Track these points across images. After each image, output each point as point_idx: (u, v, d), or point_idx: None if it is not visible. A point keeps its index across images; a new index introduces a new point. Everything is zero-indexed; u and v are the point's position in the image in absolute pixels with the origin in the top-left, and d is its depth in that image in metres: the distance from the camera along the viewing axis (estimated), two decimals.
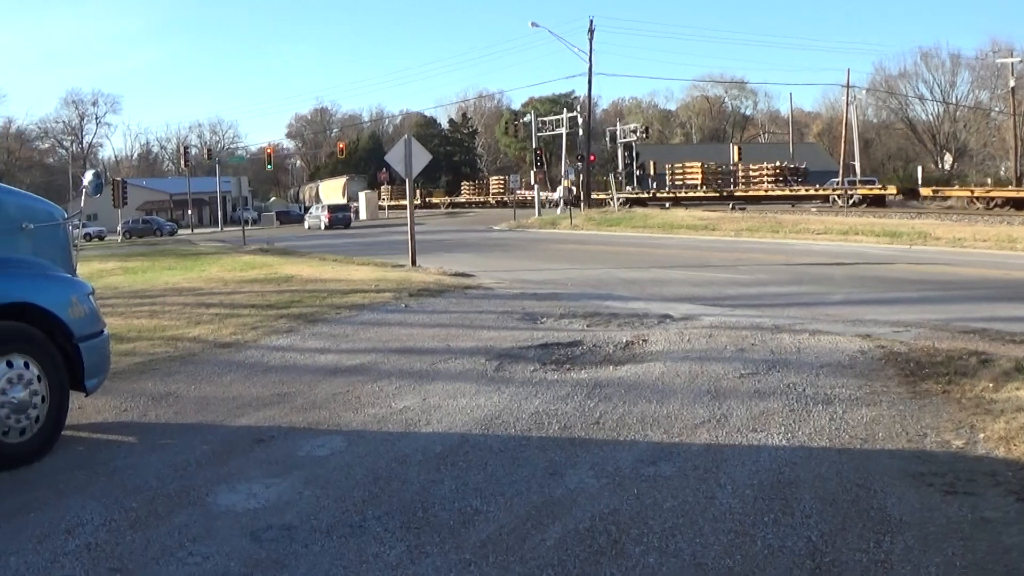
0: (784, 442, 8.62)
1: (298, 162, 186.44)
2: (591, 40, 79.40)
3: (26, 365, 8.67)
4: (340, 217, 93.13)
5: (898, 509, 6.82)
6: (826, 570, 5.92)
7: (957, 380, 10.70)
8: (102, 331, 9.90)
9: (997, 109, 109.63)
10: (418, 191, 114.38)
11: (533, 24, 79.59)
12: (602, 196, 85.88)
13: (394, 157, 30.15)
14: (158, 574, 6.15)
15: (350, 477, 7.95)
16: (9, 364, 8.53)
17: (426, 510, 7.07)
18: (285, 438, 9.35)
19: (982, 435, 8.63)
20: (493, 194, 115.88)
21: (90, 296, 9.82)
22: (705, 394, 10.49)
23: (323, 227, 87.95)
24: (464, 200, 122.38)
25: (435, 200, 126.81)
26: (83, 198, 11.33)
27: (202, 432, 9.72)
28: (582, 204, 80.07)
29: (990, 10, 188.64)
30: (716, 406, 9.96)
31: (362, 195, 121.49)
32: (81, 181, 11.39)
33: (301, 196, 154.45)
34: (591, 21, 79.37)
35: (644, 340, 14.02)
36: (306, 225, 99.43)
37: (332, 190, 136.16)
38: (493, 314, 17.56)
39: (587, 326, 15.70)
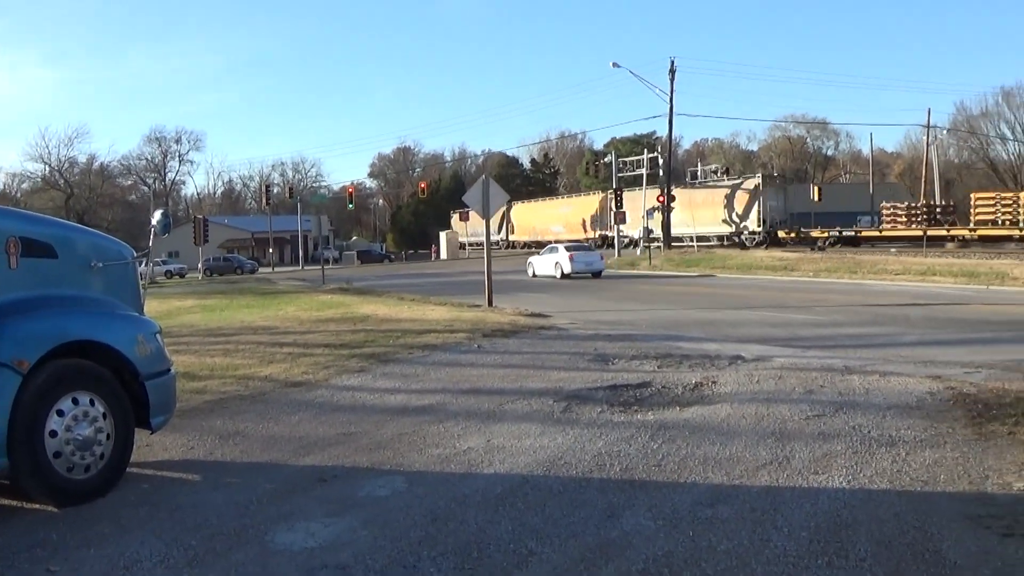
0: (844, 484, 8.56)
1: (380, 201, 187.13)
2: (672, 81, 79.34)
3: (91, 402, 8.78)
4: None
5: (954, 552, 6.75)
6: None
7: None
8: (168, 369, 10.02)
9: None
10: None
11: (614, 64, 79.39)
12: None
13: (472, 197, 30.35)
14: None
15: (408, 517, 7.97)
16: (75, 401, 8.65)
17: (481, 551, 7.07)
18: (348, 478, 9.40)
19: None
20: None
21: (157, 335, 9.94)
22: (769, 436, 10.45)
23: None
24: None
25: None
26: (151, 237, 11.43)
27: (266, 471, 9.80)
28: (662, 244, 79.89)
29: None
30: (779, 448, 9.92)
31: (442, 235, 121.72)
32: (151, 220, 11.51)
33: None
34: (672, 62, 79.30)
35: (713, 382, 14.00)
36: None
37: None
38: (565, 355, 17.58)
39: (658, 367, 15.69)
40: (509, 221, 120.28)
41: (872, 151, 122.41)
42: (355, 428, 11.71)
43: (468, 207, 37.20)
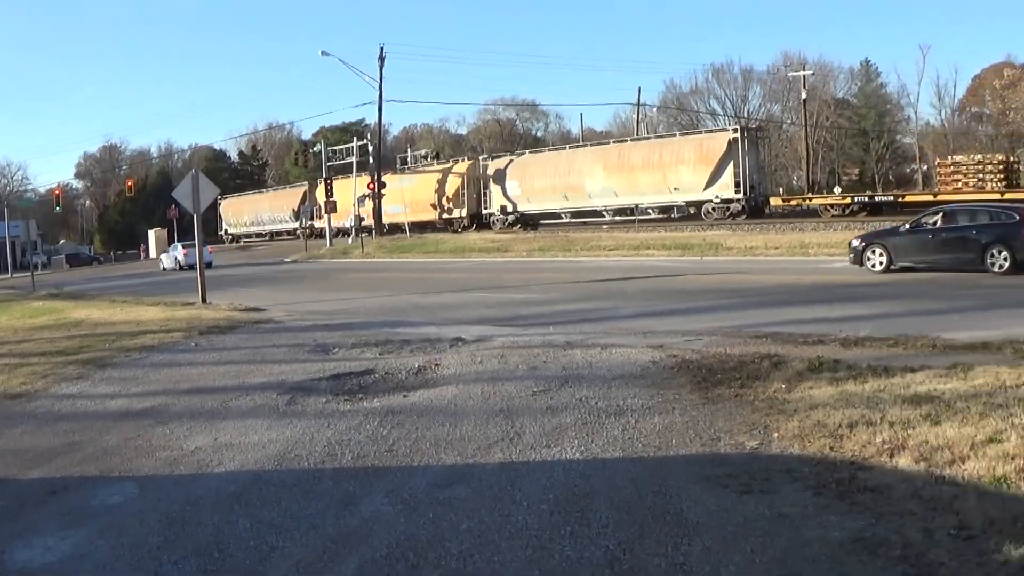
0: (578, 455, 8.90)
1: (87, 202, 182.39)
2: (381, 68, 79.33)
3: None
4: None
5: (694, 512, 7.14)
6: None
7: (750, 384, 11.24)
8: None
9: (789, 121, 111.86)
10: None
11: (323, 53, 79.42)
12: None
13: (182, 193, 29.92)
14: None
15: (144, 524, 7.93)
16: None
17: (222, 551, 7.11)
18: (78, 488, 9.26)
19: (776, 434, 9.07)
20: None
21: None
22: (498, 414, 10.75)
23: None
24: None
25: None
26: None
27: None
28: (374, 232, 79.82)
29: (782, 25, 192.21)
30: (509, 425, 10.22)
31: (150, 233, 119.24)
32: None
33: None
34: (381, 49, 79.32)
35: (436, 365, 14.24)
36: None
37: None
38: (284, 347, 17.60)
39: (379, 354, 15.86)
40: (314, 204, 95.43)
41: (582, 130, 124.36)
42: (80, 436, 11.51)
43: (178, 203, 36.74)
